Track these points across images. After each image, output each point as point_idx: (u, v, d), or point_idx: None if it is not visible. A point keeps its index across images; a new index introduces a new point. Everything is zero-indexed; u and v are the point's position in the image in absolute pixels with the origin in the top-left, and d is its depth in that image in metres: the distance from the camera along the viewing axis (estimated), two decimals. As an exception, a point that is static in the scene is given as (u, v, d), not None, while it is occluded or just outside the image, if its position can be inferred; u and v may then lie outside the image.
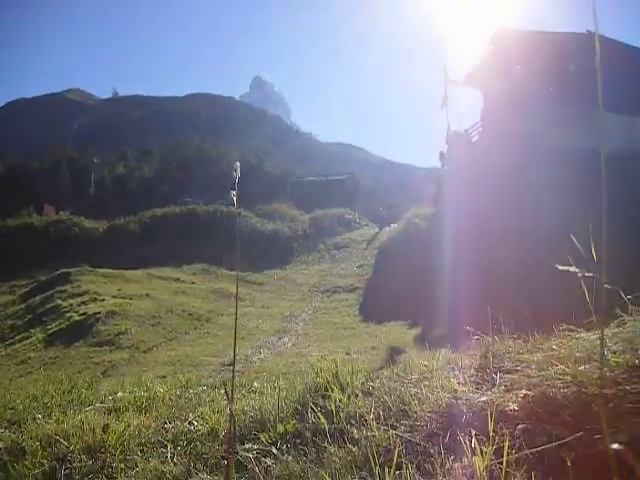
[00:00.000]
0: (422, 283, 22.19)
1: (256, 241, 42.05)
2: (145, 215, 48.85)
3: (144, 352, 21.57)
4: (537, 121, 28.30)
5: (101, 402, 4.59)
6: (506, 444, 2.64)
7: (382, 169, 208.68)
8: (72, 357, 21.56)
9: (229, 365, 17.26)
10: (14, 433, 3.91)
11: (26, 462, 3.35)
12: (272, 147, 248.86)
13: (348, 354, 14.15)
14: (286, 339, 21.98)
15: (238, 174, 2.93)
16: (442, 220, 26.85)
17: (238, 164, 2.97)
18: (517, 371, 3.53)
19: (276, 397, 3.93)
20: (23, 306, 32.27)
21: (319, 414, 3.47)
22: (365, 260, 35.95)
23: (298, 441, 3.21)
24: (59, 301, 30.11)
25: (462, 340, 5.20)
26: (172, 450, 3.43)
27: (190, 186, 75.24)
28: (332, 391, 3.73)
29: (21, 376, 21.11)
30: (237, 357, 18.88)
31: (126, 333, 23.46)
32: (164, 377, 10.25)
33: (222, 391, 5.34)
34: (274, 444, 3.31)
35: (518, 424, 3.04)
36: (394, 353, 11.58)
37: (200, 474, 3.12)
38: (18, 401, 5.06)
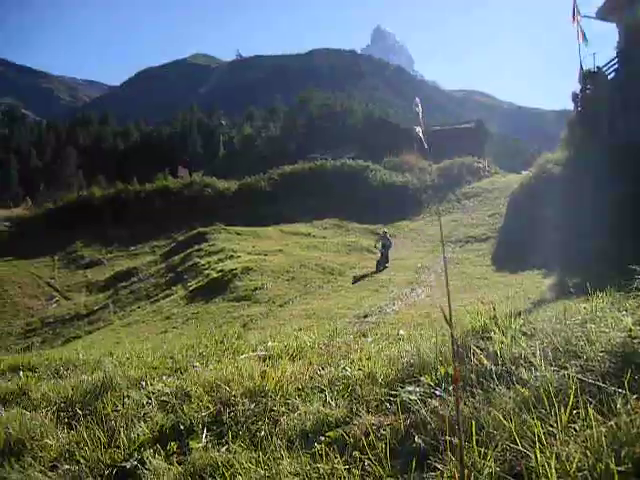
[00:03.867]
0: (556, 231, 21.25)
1: (385, 194, 41.78)
2: (274, 173, 49.56)
3: (280, 306, 22.01)
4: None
5: (252, 351, 4.67)
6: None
7: (510, 114, 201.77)
8: (212, 312, 22.32)
9: (364, 317, 17.32)
10: (178, 379, 4.05)
11: (192, 405, 3.56)
12: (396, 98, 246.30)
13: (484, 304, 13.81)
14: (419, 290, 21.74)
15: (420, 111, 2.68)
16: (577, 165, 25.51)
17: (417, 100, 2.71)
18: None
19: (433, 341, 3.81)
20: (164, 265, 33.76)
21: (482, 356, 3.37)
22: (497, 209, 34.82)
23: (461, 383, 3.09)
24: (197, 259, 31.25)
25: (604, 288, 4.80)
26: (329, 394, 3.45)
27: (316, 142, 75.55)
28: (493, 333, 3.61)
29: (166, 331, 22.16)
30: (371, 309, 18.92)
31: (262, 288, 24.00)
32: (301, 330, 10.31)
33: (369, 339, 5.26)
34: (438, 386, 3.25)
35: None
36: (535, 301, 11.08)
37: (363, 416, 3.09)
38: (176, 351, 5.25)
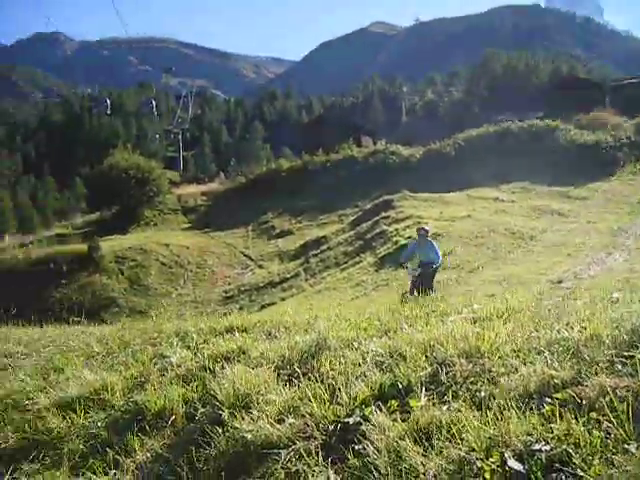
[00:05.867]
0: None
1: (576, 154, 39.71)
2: (459, 137, 48.65)
3: (470, 272, 21.77)
4: None
5: (458, 313, 4.66)
6: None
7: None
8: (401, 279, 22.46)
9: (558, 282, 16.70)
10: (390, 340, 4.11)
11: (409, 365, 3.59)
12: (584, 51, 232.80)
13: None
14: (617, 255, 20.62)
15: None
16: None
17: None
18: None
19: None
20: (352, 233, 34.37)
21: None
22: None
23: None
24: (384, 226, 31.53)
25: None
26: (550, 356, 3.35)
27: (500, 104, 73.09)
28: None
29: (357, 297, 22.64)
30: (565, 274, 18.22)
31: (451, 254, 23.81)
32: (492, 295, 10.13)
33: (580, 302, 5.04)
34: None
35: None
36: None
37: (593, 377, 2.99)
38: (381, 313, 5.35)
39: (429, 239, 16.23)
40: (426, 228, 16.51)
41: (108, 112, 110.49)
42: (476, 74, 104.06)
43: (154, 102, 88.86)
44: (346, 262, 30.12)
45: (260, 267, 36.14)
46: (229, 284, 34.48)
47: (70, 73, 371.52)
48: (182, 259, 37.25)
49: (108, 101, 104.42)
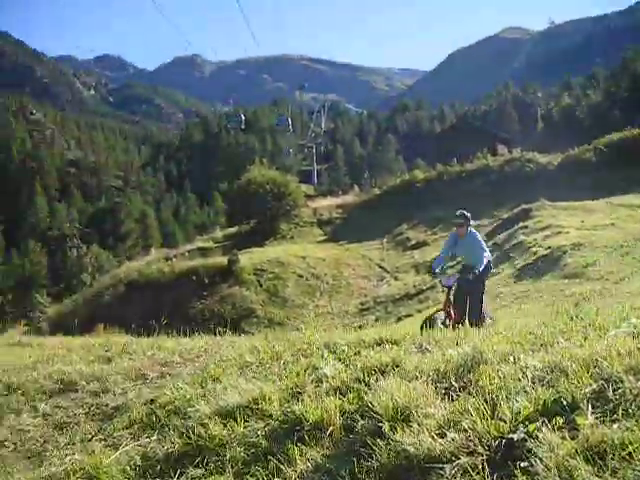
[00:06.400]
0: None
1: None
2: (599, 142, 46.88)
3: (615, 283, 20.88)
4: None
5: (617, 327, 4.58)
6: None
7: None
8: (541, 290, 21.92)
9: None
10: (547, 354, 4.10)
11: (572, 381, 3.51)
12: None
13: None
14: None
15: None
16: None
17: None
18: None
19: None
20: (490, 244, 33.80)
21: None
22: None
23: None
24: (523, 237, 30.79)
25: None
26: None
27: (644, 105, 69.63)
28: None
29: (496, 309, 22.28)
30: None
31: (594, 264, 22.96)
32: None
33: None
34: None
35: None
36: None
37: None
38: (533, 327, 5.37)
39: (472, 231, 10.75)
40: (466, 214, 10.69)
41: (242, 127, 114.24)
42: (616, 75, 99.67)
43: (289, 119, 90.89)
44: (491, 273, 29.65)
45: (396, 279, 36.26)
46: (365, 296, 34.80)
47: (208, 93, 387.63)
48: (318, 271, 37.99)
49: (242, 117, 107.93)
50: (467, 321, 9.58)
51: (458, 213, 10.78)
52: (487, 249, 10.67)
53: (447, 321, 9.94)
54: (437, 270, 10.87)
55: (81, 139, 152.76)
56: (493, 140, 67.26)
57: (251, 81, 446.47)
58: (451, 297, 10.37)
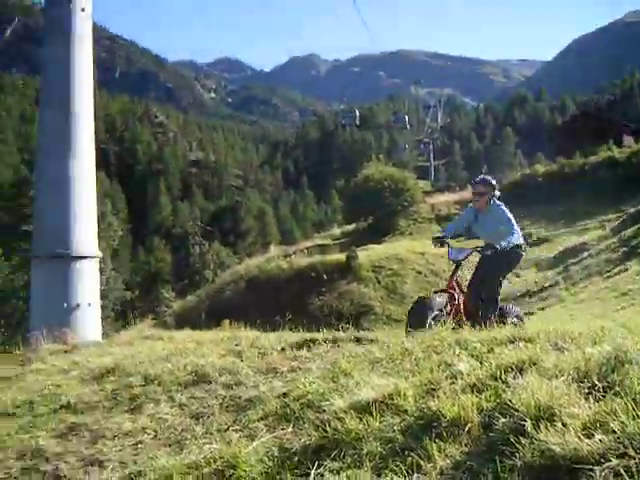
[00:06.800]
0: None
1: None
2: None
3: None
4: None
5: None
6: None
7: None
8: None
9: None
10: None
11: None
12: None
13: None
14: None
15: None
16: None
17: None
18: None
19: None
20: (615, 239, 32.50)
21: None
22: None
23: None
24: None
25: None
26: None
27: None
28: None
29: (623, 308, 21.44)
30: None
31: None
32: None
33: None
34: None
35: None
36: None
37: None
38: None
39: (497, 202, 8.83)
40: (492, 182, 8.83)
41: (357, 123, 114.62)
42: None
43: (406, 116, 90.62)
44: (609, 270, 28.53)
45: (516, 276, 35.42)
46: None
47: (324, 92, 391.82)
48: (437, 268, 37.58)
49: (357, 113, 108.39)
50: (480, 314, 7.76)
51: (478, 179, 8.92)
52: (518, 226, 8.74)
53: (448, 307, 7.85)
54: (448, 235, 8.76)
55: (202, 140, 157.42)
56: (619, 131, 64.39)
57: (366, 78, 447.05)
58: (458, 275, 8.50)
